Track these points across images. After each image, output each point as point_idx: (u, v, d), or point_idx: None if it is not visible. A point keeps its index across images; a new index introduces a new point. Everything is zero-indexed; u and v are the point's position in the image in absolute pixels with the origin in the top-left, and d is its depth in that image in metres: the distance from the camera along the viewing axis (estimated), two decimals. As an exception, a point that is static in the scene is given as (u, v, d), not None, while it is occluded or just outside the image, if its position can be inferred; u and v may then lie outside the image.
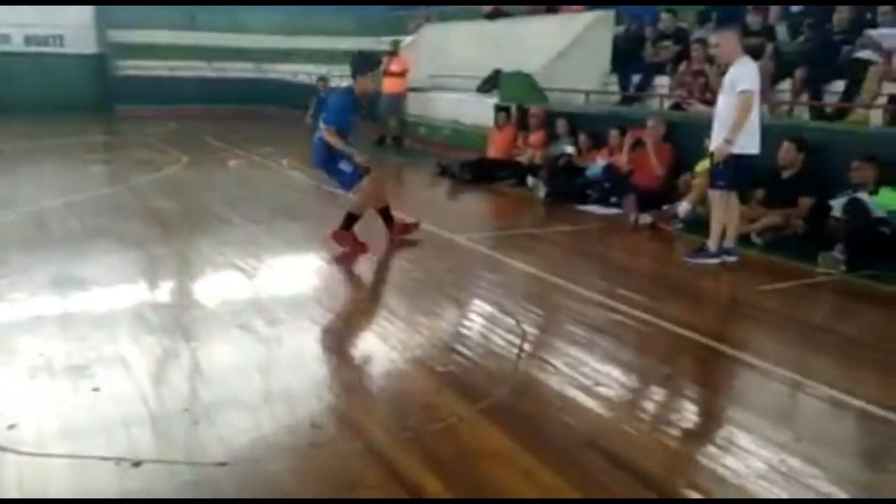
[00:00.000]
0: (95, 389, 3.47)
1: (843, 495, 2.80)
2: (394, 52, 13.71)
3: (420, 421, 3.27)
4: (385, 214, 6.55)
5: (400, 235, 6.57)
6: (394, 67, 13.55)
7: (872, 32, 7.88)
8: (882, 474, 3.00)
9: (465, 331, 4.55)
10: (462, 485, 2.79)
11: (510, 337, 4.33)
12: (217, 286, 5.34)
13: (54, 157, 11.43)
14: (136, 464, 2.85)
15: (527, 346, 4.19)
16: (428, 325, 4.62)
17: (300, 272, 5.88)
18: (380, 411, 3.36)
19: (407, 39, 15.60)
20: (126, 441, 3.02)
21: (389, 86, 13.50)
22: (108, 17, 19.61)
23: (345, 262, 6.03)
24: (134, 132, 15.17)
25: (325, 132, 6.06)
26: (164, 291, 5.14)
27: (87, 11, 19.46)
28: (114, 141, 14.89)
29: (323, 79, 14.20)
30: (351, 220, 6.18)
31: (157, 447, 2.99)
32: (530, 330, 4.47)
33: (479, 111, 11.78)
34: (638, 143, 8.39)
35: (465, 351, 4.14)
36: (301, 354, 3.99)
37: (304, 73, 18.37)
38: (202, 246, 6.32)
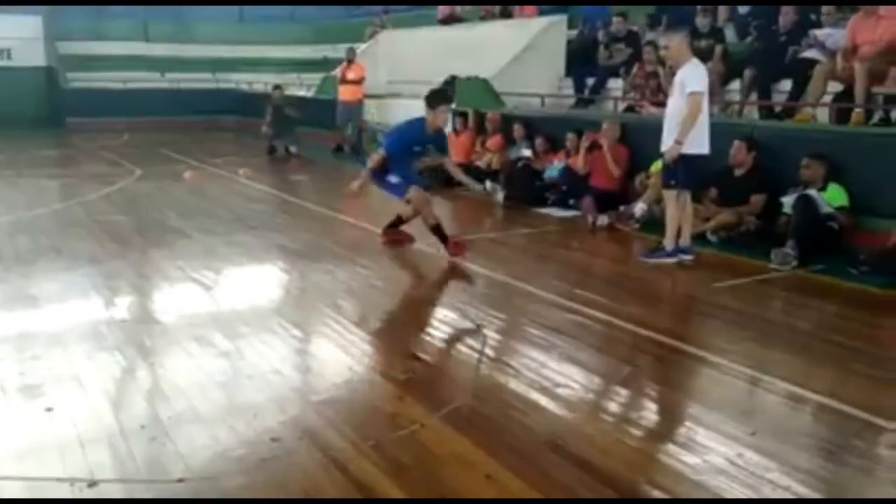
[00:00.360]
0: (49, 409, 3.39)
1: (800, 488, 2.85)
2: (350, 60, 13.69)
3: (382, 430, 3.25)
4: (398, 222, 6.59)
5: (391, 238, 6.64)
6: (350, 75, 13.56)
7: (817, 32, 8.08)
8: (839, 467, 3.05)
9: (426, 337, 4.56)
10: (423, 492, 2.79)
11: (471, 342, 4.34)
12: (174, 300, 5.26)
13: (3, 172, 11.15)
14: (92, 484, 2.79)
15: (488, 351, 4.20)
16: (389, 333, 4.60)
17: (259, 283, 5.81)
18: (341, 422, 3.33)
19: (362, 47, 15.58)
20: (81, 461, 2.95)
21: (345, 93, 13.51)
22: (57, 29, 19.22)
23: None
24: (86, 145, 14.87)
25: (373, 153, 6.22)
26: (120, 307, 5.04)
27: (36, 24, 19.05)
28: (65, 155, 14.56)
29: (278, 87, 14.10)
30: (438, 232, 6.31)
31: (114, 466, 2.93)
32: (491, 334, 4.49)
33: (436, 117, 11.79)
34: (594, 146, 8.49)
35: (426, 357, 4.14)
36: (261, 367, 3.94)
37: (260, 82, 18.22)
38: (158, 260, 6.22)
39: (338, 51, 16.56)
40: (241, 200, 9.25)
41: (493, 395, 3.66)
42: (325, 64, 18.18)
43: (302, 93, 16.42)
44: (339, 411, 3.47)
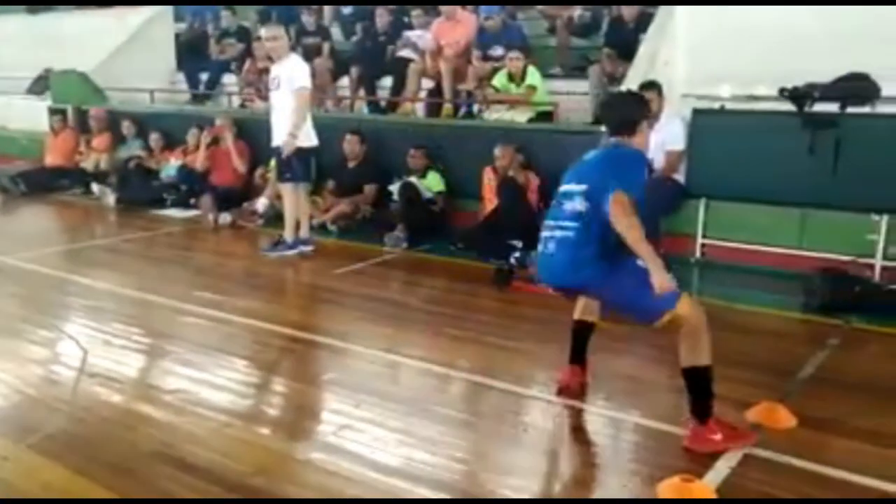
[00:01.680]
0: None
1: (401, 449, 3.06)
2: None
3: (-48, 475, 2.78)
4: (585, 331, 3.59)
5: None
6: None
7: (409, 34, 8.82)
8: (436, 424, 3.32)
9: (14, 362, 3.97)
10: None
11: (70, 361, 3.92)
12: None
13: None
14: None
15: (89, 368, 3.83)
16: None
17: None
18: None
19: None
20: None
21: None
22: None
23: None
24: None
25: (617, 209, 2.91)
26: None
27: None
28: None
29: None
30: (700, 384, 3.05)
31: None
32: (95, 350, 4.09)
33: (30, 115, 10.51)
34: (214, 141, 8.29)
35: (14, 382, 3.63)
36: None
37: None
38: None
39: None
40: None
41: (93, 414, 3.34)
42: None
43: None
44: None
